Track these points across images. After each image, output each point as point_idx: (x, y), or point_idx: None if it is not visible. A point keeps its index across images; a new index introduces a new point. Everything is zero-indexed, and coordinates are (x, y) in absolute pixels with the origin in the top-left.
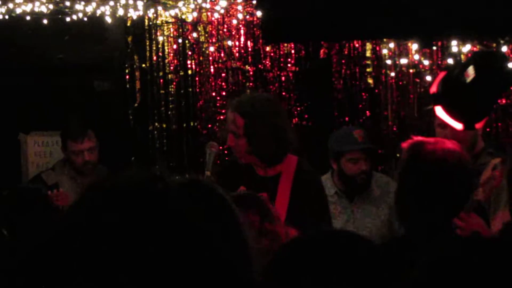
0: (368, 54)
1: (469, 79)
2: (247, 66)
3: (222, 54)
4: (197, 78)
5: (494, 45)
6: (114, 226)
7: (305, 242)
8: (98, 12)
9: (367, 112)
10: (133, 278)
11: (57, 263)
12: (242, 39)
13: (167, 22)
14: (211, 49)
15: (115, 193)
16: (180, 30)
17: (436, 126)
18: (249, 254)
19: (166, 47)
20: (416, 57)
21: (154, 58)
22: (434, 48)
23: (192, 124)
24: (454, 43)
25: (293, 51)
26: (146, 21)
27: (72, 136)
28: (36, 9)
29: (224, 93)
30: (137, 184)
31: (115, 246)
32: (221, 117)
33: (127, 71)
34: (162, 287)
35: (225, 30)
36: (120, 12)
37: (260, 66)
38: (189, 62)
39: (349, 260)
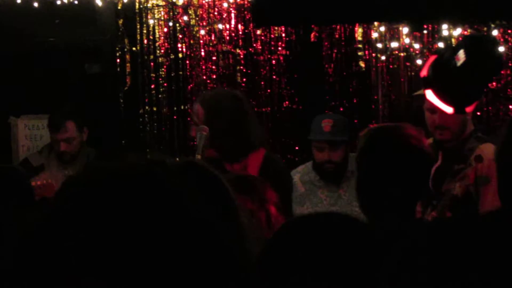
0: (359, 37)
1: (459, 63)
2: (237, 50)
3: (213, 38)
4: (187, 62)
5: (485, 28)
6: (112, 212)
7: (297, 225)
8: None
9: (358, 95)
10: (131, 265)
11: (51, 256)
12: (233, 22)
13: (157, 5)
14: (202, 32)
15: (113, 178)
16: (171, 13)
17: (426, 111)
18: (246, 237)
19: (156, 30)
20: (407, 40)
21: (145, 41)
22: (425, 31)
23: (182, 107)
24: (444, 26)
25: (283, 35)
26: (137, 4)
27: (50, 125)
28: None
29: (214, 77)
30: (136, 168)
31: (113, 234)
32: None
33: (117, 54)
34: (161, 272)
35: (215, 13)
36: None
37: (250, 49)
38: (179, 45)
39: (342, 240)
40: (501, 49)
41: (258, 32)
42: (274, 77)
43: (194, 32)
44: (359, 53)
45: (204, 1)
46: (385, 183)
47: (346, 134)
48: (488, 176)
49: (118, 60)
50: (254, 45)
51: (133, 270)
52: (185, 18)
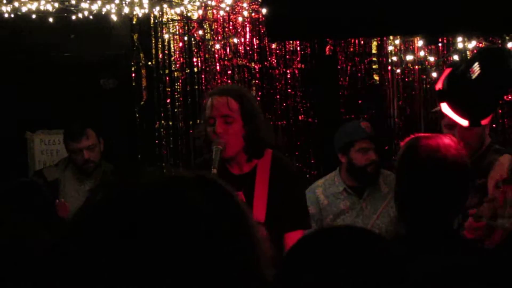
0: (373, 50)
1: (474, 76)
2: (252, 64)
3: (228, 52)
4: (203, 76)
5: (500, 41)
6: (132, 225)
7: (316, 239)
8: (104, 10)
9: (373, 109)
10: (148, 277)
11: (70, 263)
12: (248, 36)
13: (172, 20)
14: (217, 46)
15: (132, 192)
16: (186, 27)
17: (443, 127)
18: (261, 253)
19: (172, 45)
20: (422, 53)
21: (160, 55)
22: (440, 44)
23: (198, 121)
24: (459, 39)
25: (298, 48)
26: (152, 19)
27: (70, 135)
28: (42, 8)
29: None
30: (155, 183)
31: (131, 245)
32: None
33: (133, 69)
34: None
35: (230, 27)
36: (126, 10)
37: (266, 63)
38: (195, 59)
39: (361, 254)
40: None
41: (273, 46)
42: (289, 90)
43: (209, 47)
44: (374, 66)
45: (219, 16)
46: (423, 195)
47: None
48: None
49: (133, 75)
50: (269, 59)
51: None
52: (200, 32)
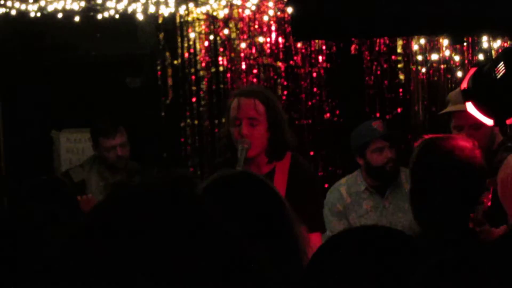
0: (399, 50)
1: (499, 75)
2: (278, 63)
3: (254, 51)
4: (228, 75)
5: None
6: (139, 226)
7: (343, 240)
8: (130, 9)
9: (398, 108)
10: (156, 280)
11: (82, 261)
12: (273, 35)
13: (198, 19)
14: (243, 45)
15: (142, 194)
16: (212, 26)
17: (452, 129)
18: (299, 250)
19: (197, 44)
20: (447, 53)
21: (186, 54)
22: (465, 44)
23: (223, 120)
24: (484, 39)
25: (324, 47)
26: (178, 18)
27: (104, 132)
28: (68, 7)
29: None
30: (165, 184)
31: (140, 247)
32: None
33: (158, 68)
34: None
35: (256, 26)
36: (152, 9)
37: (291, 62)
38: (220, 58)
39: (387, 254)
40: None
41: (299, 45)
42: (315, 89)
43: (234, 46)
44: (399, 66)
45: (244, 15)
46: (437, 196)
47: (397, 135)
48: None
49: (159, 74)
50: (295, 58)
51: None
52: (226, 31)
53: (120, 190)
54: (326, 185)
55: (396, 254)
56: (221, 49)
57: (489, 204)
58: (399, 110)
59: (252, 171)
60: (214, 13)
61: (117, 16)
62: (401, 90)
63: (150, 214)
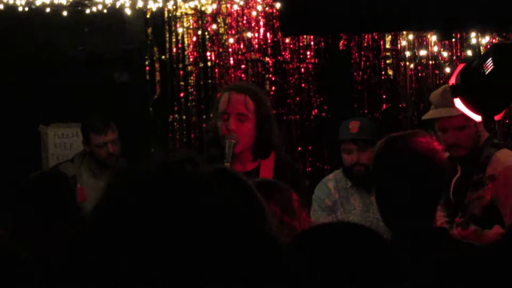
0: (387, 45)
1: (488, 71)
2: (266, 58)
3: (242, 46)
4: (216, 70)
5: None
6: (146, 210)
7: (314, 234)
8: (118, 4)
9: (387, 104)
10: (163, 264)
11: (91, 252)
12: (262, 30)
13: (186, 14)
14: (231, 40)
15: (146, 177)
16: (200, 21)
17: (437, 131)
18: (275, 243)
19: (185, 39)
20: (436, 48)
21: (174, 50)
22: (453, 40)
23: (211, 116)
24: (473, 35)
25: (312, 43)
26: (166, 13)
27: (95, 128)
28: (56, 1)
29: None
30: (167, 166)
31: (147, 232)
32: None
33: (146, 63)
34: (191, 271)
35: (244, 21)
36: (140, 4)
37: (279, 57)
38: (208, 53)
39: (357, 253)
40: None
41: (287, 40)
42: (303, 85)
43: (223, 41)
44: (388, 61)
45: (232, 10)
46: (399, 192)
47: (373, 136)
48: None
49: (147, 69)
50: (283, 53)
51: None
52: (214, 26)
53: (125, 176)
54: (314, 181)
55: (366, 253)
56: (209, 44)
57: (489, 198)
58: (385, 106)
59: (236, 168)
60: (202, 8)
61: (105, 10)
62: (389, 86)
63: (159, 198)
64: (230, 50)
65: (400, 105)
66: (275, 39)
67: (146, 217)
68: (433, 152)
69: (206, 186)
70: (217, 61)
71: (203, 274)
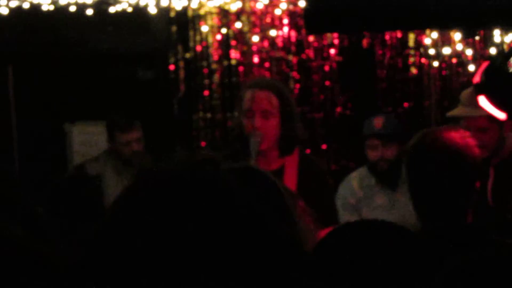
0: (411, 44)
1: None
2: (290, 56)
3: (266, 44)
4: (240, 68)
5: None
6: (166, 211)
7: (343, 232)
8: (142, 3)
9: (410, 102)
10: (182, 262)
11: (111, 251)
12: (286, 29)
13: (210, 12)
14: (255, 39)
15: (166, 177)
16: (224, 20)
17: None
18: (303, 240)
19: (209, 37)
20: (459, 46)
21: (198, 48)
22: (477, 37)
23: (236, 113)
24: (496, 32)
25: (336, 41)
26: (190, 11)
27: (120, 126)
28: (80, 0)
29: None
30: (188, 166)
31: (167, 232)
32: None
33: (171, 61)
34: (212, 269)
35: (268, 20)
36: (164, 2)
37: (303, 56)
38: (232, 52)
39: (388, 248)
40: None
41: (311, 38)
42: (327, 83)
43: (247, 39)
44: (411, 60)
45: (257, 8)
46: (433, 186)
47: (397, 132)
48: None
49: (171, 67)
50: (307, 51)
51: (189, 261)
52: (238, 24)
53: (145, 176)
54: (338, 179)
55: (394, 250)
56: (233, 43)
57: None
58: (410, 104)
59: (261, 165)
60: (227, 7)
61: (129, 9)
62: (413, 84)
63: (179, 198)
64: (254, 48)
65: (423, 103)
66: (299, 37)
67: (164, 218)
68: (467, 147)
69: (227, 187)
70: (241, 59)
71: (211, 276)
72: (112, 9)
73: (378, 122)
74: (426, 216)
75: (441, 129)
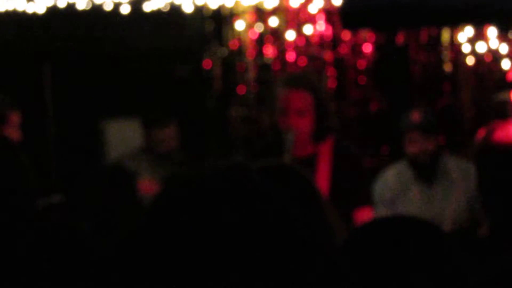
0: (445, 40)
1: None
2: (325, 53)
3: (301, 41)
4: (275, 65)
5: None
6: (196, 218)
7: (375, 227)
8: (178, 1)
9: (445, 98)
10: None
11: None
12: (321, 26)
13: (246, 10)
14: (290, 36)
15: (196, 185)
16: (259, 17)
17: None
18: (334, 234)
19: (245, 35)
20: (494, 43)
21: (233, 45)
22: None
23: (270, 110)
24: None
25: (371, 38)
26: (225, 9)
27: (155, 123)
28: None
29: None
30: (218, 174)
31: (195, 237)
32: None
33: (207, 59)
34: (244, 274)
35: (303, 17)
36: (200, 1)
37: (339, 52)
38: (268, 49)
39: (416, 245)
40: None
41: (346, 36)
42: (362, 80)
43: (282, 36)
44: (446, 56)
45: (292, 5)
46: (502, 182)
47: (436, 125)
48: None
49: (206, 64)
50: (342, 48)
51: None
52: (273, 22)
53: (176, 182)
54: (374, 175)
55: (423, 248)
56: (269, 40)
57: None
58: (444, 101)
59: (295, 152)
60: (262, 4)
61: (165, 7)
62: (447, 80)
63: (213, 204)
64: (289, 45)
65: (458, 100)
66: (334, 35)
67: (194, 222)
68: None
69: (256, 192)
70: (276, 56)
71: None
72: (147, 7)
73: (416, 115)
74: (495, 213)
75: (506, 127)
